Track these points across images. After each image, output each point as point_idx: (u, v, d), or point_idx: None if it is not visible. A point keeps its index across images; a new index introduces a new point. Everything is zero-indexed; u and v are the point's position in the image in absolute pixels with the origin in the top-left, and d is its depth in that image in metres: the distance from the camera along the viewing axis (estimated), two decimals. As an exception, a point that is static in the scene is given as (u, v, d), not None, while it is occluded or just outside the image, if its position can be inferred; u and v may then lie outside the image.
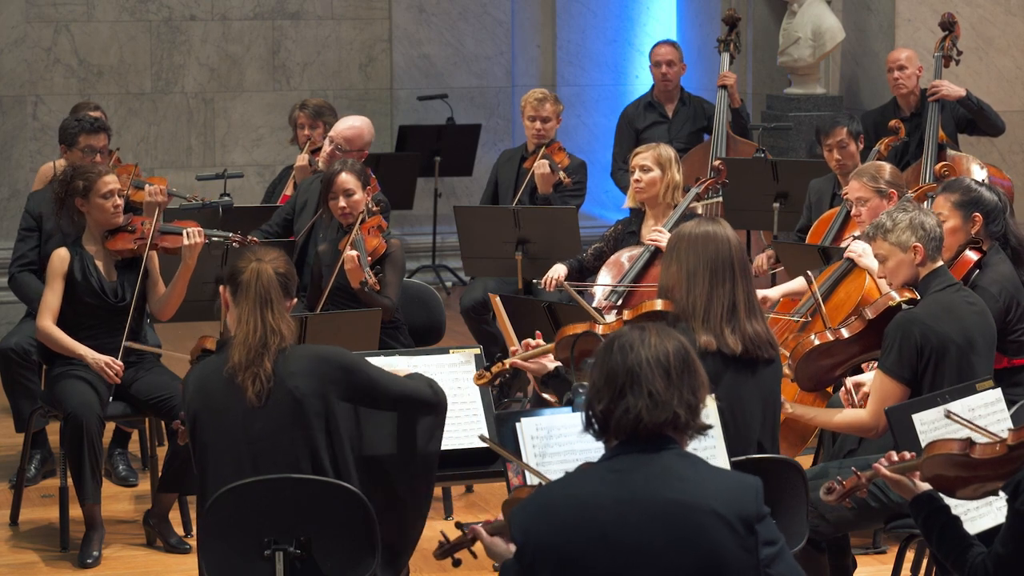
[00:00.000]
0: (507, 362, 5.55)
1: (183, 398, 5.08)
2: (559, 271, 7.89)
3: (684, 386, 3.81)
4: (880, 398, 5.70)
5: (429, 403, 5.10)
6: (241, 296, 4.97)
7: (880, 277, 6.04)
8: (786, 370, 5.75)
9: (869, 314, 5.93)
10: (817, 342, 5.99)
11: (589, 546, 3.72)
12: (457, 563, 4.32)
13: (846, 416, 5.87)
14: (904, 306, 5.84)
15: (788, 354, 5.97)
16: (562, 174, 8.73)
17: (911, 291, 5.86)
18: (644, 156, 7.69)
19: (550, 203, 8.72)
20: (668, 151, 7.76)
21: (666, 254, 5.24)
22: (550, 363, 5.39)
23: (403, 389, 5.06)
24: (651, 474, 3.76)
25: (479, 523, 4.19)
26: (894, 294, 5.90)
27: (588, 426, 3.87)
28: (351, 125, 8.20)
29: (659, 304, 5.31)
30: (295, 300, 5.15)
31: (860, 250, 6.94)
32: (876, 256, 5.93)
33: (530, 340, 5.61)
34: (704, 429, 3.86)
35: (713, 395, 4.73)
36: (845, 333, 5.99)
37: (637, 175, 7.68)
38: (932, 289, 5.81)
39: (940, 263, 5.88)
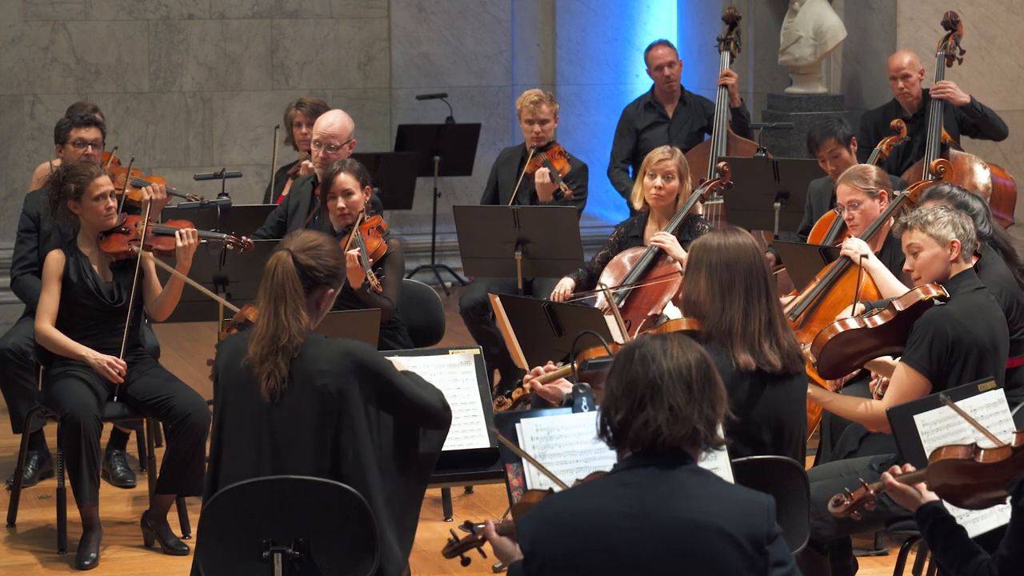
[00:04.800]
0: (526, 386, 5.50)
1: (216, 362, 5.03)
2: (566, 285, 7.82)
3: (704, 400, 3.75)
4: (901, 391, 5.67)
5: (439, 420, 5.01)
6: (261, 285, 4.91)
7: (907, 270, 5.99)
8: (809, 356, 5.69)
9: (899, 306, 5.88)
10: (841, 329, 5.94)
11: (596, 561, 3.69)
12: (466, 562, 4.30)
13: (859, 405, 5.83)
14: (936, 302, 5.80)
15: (809, 345, 5.91)
16: (563, 184, 8.69)
17: (940, 288, 5.82)
18: (669, 163, 7.64)
19: (550, 204, 8.68)
20: (684, 159, 7.74)
21: (691, 267, 5.07)
22: (565, 388, 5.32)
23: (422, 402, 4.96)
24: (663, 491, 3.71)
25: (489, 522, 4.17)
26: (918, 291, 5.86)
27: (602, 434, 3.81)
28: (331, 122, 8.16)
29: (684, 323, 5.10)
30: (332, 291, 4.99)
31: (857, 248, 6.92)
32: (909, 247, 5.88)
33: (540, 368, 5.53)
34: (720, 444, 3.81)
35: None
36: (879, 320, 5.93)
37: (660, 181, 7.63)
38: (963, 289, 5.79)
39: (971, 265, 5.85)
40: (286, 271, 4.86)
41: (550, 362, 5.60)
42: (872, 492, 4.64)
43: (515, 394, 5.56)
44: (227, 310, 7.55)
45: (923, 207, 5.97)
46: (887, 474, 4.60)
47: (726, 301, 4.98)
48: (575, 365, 5.23)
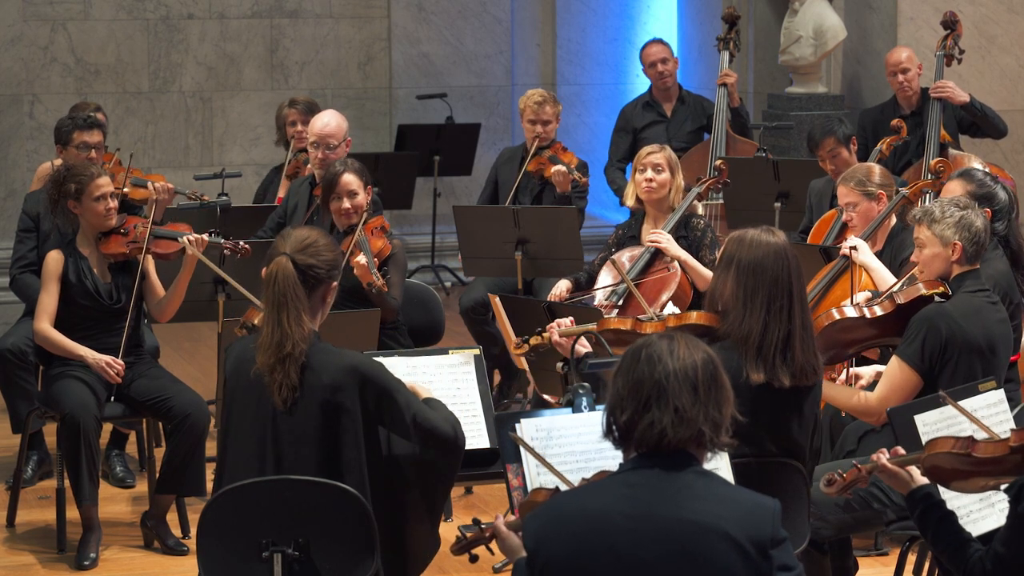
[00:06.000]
0: (545, 335, 5.52)
1: (224, 365, 5.02)
2: (562, 287, 7.79)
3: (710, 402, 3.74)
4: (892, 384, 5.68)
5: (449, 443, 4.94)
6: (264, 292, 4.90)
7: (913, 261, 5.99)
8: None
9: (900, 299, 5.88)
10: (838, 316, 5.94)
11: (599, 561, 3.68)
12: (474, 559, 4.30)
13: (854, 396, 5.82)
14: (937, 299, 5.79)
15: None
16: (577, 174, 8.71)
17: (943, 285, 5.82)
18: (658, 156, 7.63)
19: (571, 202, 8.69)
20: (673, 154, 7.74)
21: (723, 261, 5.07)
22: (581, 347, 5.33)
23: (429, 424, 4.89)
24: (667, 492, 3.70)
25: (499, 516, 4.16)
26: (920, 285, 5.86)
27: (608, 434, 3.81)
28: (327, 122, 8.13)
29: (704, 317, 5.13)
30: (336, 283, 4.99)
31: (858, 247, 6.92)
32: (915, 240, 5.88)
33: (562, 321, 5.58)
34: (726, 447, 3.79)
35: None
36: (878, 311, 5.93)
37: (650, 174, 7.61)
38: (964, 289, 5.78)
39: (977, 266, 5.84)
40: (287, 277, 4.83)
41: (571, 319, 5.62)
42: (864, 473, 4.63)
43: (533, 340, 5.58)
44: (227, 310, 7.56)
45: (937, 201, 5.94)
46: (880, 454, 4.59)
47: (747, 309, 4.97)
48: (595, 329, 5.28)
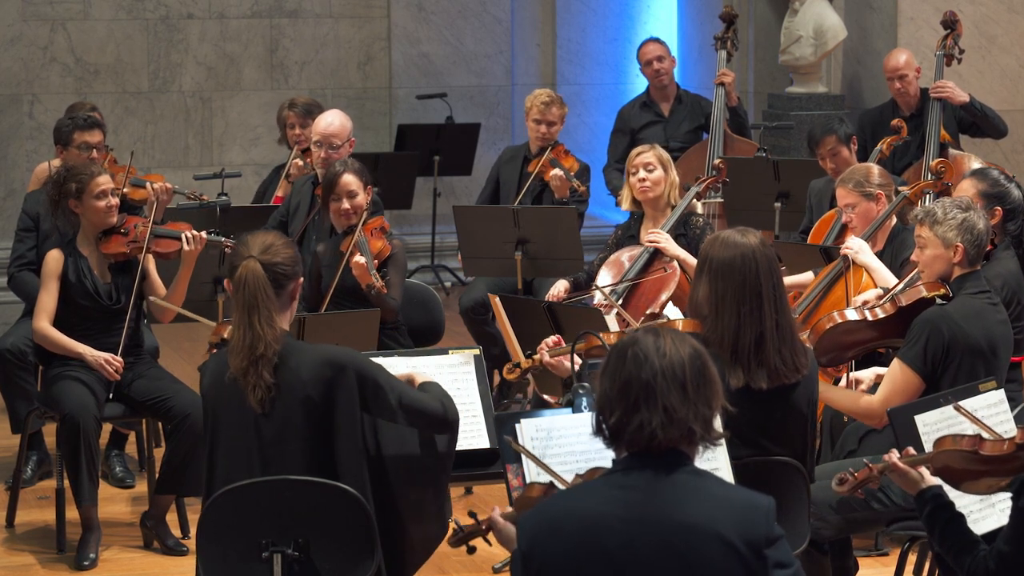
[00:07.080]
0: (536, 358, 5.52)
1: (200, 385, 5.02)
2: (559, 287, 7.78)
3: (700, 399, 3.70)
4: (894, 387, 5.67)
5: (438, 420, 4.97)
6: (233, 297, 4.90)
7: (913, 260, 5.99)
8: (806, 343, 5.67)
9: (902, 300, 5.87)
10: (840, 320, 5.93)
11: (592, 564, 3.66)
12: (472, 550, 4.29)
13: (856, 399, 5.82)
14: (938, 301, 5.79)
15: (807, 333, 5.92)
16: (576, 182, 8.70)
17: (944, 287, 5.81)
18: (648, 155, 7.64)
19: (567, 204, 8.69)
20: (664, 152, 7.75)
21: (698, 266, 5.08)
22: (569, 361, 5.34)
23: (415, 404, 4.92)
24: (659, 493, 3.68)
25: (496, 508, 4.16)
26: (921, 287, 5.85)
27: (598, 433, 3.79)
28: (330, 121, 8.13)
29: (690, 325, 5.12)
30: (301, 279, 5.00)
31: (857, 247, 6.91)
32: (916, 239, 5.87)
33: (550, 341, 5.58)
34: (717, 439, 3.77)
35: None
36: (880, 313, 5.92)
37: (642, 174, 7.62)
38: (965, 291, 5.77)
39: (978, 268, 5.84)
40: (257, 279, 4.84)
41: (561, 337, 5.62)
42: (876, 472, 4.63)
43: (524, 364, 5.58)
44: (227, 310, 7.55)
45: (939, 202, 5.93)
46: (891, 454, 4.59)
47: (719, 312, 4.96)
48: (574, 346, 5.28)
